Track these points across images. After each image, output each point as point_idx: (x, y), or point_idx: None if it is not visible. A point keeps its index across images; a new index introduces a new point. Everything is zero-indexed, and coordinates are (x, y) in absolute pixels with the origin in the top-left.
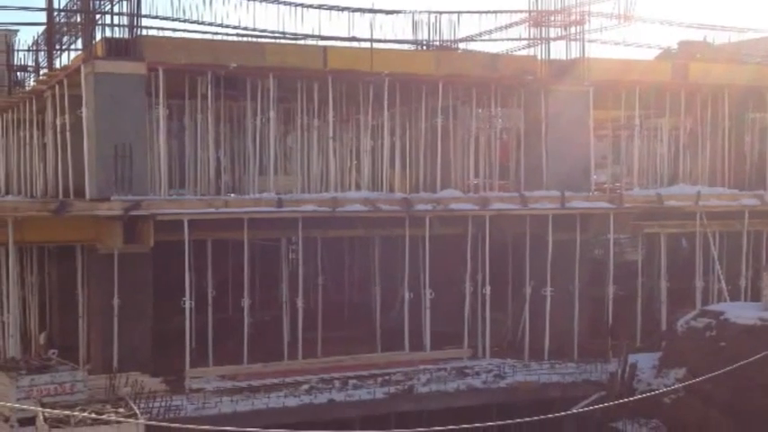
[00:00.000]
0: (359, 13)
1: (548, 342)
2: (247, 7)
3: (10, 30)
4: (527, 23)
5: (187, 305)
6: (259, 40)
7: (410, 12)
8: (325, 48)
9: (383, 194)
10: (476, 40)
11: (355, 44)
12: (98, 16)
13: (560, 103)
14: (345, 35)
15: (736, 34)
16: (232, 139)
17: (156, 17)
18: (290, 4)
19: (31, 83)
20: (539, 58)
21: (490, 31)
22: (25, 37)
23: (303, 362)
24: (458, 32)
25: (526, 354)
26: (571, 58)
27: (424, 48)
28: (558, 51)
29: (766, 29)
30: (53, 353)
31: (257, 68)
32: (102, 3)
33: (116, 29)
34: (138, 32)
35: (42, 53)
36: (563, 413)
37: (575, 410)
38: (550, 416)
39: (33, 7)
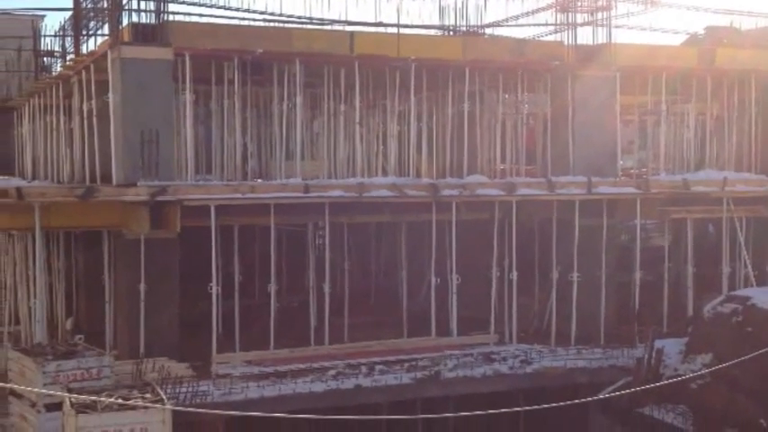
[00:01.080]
0: None
1: (574, 327)
2: None
3: (37, 15)
4: (554, 9)
5: (214, 291)
6: (285, 25)
7: None
8: (351, 33)
9: (410, 180)
10: (502, 26)
11: (382, 29)
12: (125, 2)
13: (587, 88)
14: (372, 20)
15: (764, 19)
16: (259, 125)
17: (183, 2)
18: None
19: (58, 68)
20: (565, 43)
21: (517, 17)
22: (52, 22)
23: (330, 347)
24: (484, 18)
25: (553, 339)
26: (598, 44)
27: (451, 33)
28: (585, 37)
29: None
30: (80, 338)
31: (284, 54)
32: None
33: (143, 14)
34: (165, 18)
35: (69, 38)
36: (589, 399)
37: (601, 396)
38: (577, 401)
39: None
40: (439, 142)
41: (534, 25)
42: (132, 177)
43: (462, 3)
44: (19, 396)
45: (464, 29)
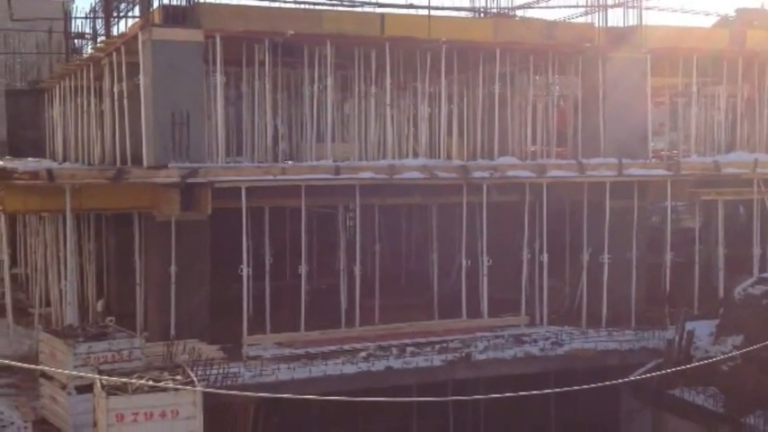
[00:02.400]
0: None
1: (605, 309)
2: None
3: None
4: None
5: (245, 272)
6: (316, 7)
7: None
8: (382, 15)
9: (440, 162)
10: (533, 8)
11: (413, 11)
12: None
13: (617, 70)
14: (403, 2)
15: None
16: (289, 107)
17: None
18: None
19: (89, 50)
20: (596, 25)
21: None
22: (83, 4)
23: (360, 329)
24: (515, 0)
25: (583, 321)
26: (628, 26)
27: (482, 15)
28: (616, 18)
29: None
30: (110, 320)
31: (314, 36)
32: None
33: None
34: (196, 0)
35: (100, 20)
36: (620, 380)
37: (632, 378)
38: (608, 383)
39: None
40: (470, 124)
41: (565, 7)
42: (163, 159)
43: None
44: (50, 378)
45: (495, 11)
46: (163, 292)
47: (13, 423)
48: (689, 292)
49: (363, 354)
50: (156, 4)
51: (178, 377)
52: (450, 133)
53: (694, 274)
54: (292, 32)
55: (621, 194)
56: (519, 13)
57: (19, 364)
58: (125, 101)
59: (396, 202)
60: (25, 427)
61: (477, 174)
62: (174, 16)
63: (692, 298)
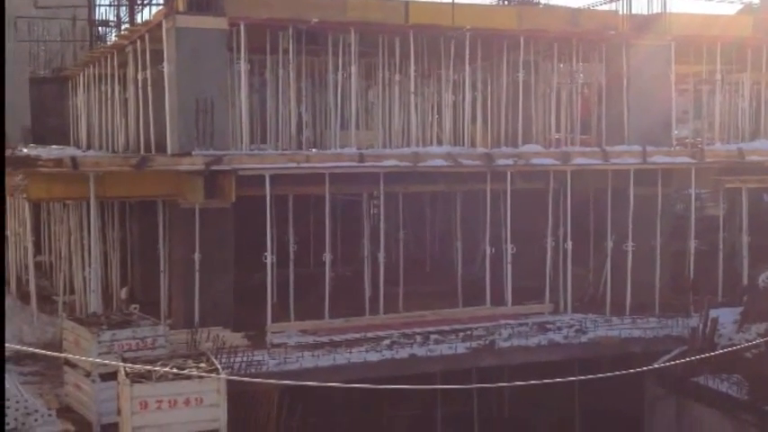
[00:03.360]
0: None
1: (629, 297)
2: None
3: None
4: None
5: (269, 260)
6: None
7: None
8: (406, 2)
9: (465, 149)
10: None
11: None
12: None
13: (641, 57)
14: None
15: None
16: (313, 94)
17: None
18: None
19: (113, 38)
20: (620, 12)
21: None
22: None
23: (384, 317)
24: None
25: (607, 309)
26: (652, 13)
27: (506, 2)
28: (640, 6)
29: None
30: (134, 308)
31: (339, 23)
32: None
33: None
34: None
35: (124, 8)
36: (644, 368)
37: (656, 365)
38: (632, 371)
39: None
40: (494, 112)
41: None
42: (187, 147)
43: None
44: (74, 365)
45: None
46: (187, 280)
47: (36, 411)
48: (713, 280)
49: (387, 341)
50: None
51: (202, 365)
52: (474, 121)
53: (718, 262)
54: (316, 20)
55: (645, 182)
56: (543, 0)
57: (43, 351)
58: (149, 88)
59: (420, 189)
60: (49, 415)
61: (502, 161)
62: (198, 4)
63: (716, 285)
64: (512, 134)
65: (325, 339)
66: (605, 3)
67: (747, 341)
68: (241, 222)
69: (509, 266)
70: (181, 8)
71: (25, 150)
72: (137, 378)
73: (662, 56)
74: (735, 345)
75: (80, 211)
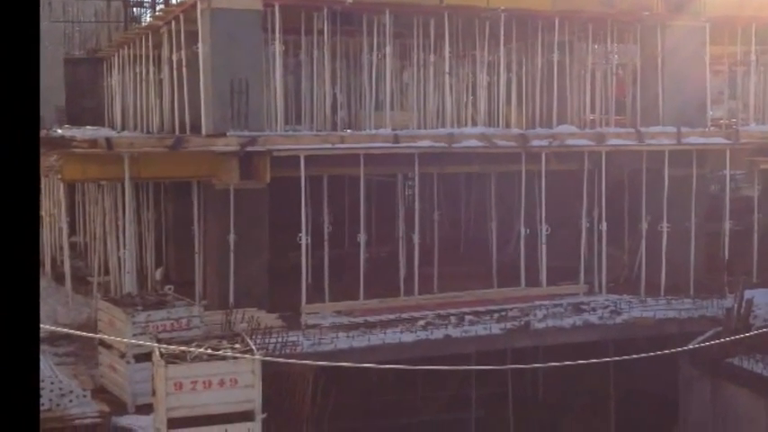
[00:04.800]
0: None
1: (664, 278)
2: None
3: None
4: None
5: (303, 241)
6: None
7: None
8: None
9: (499, 130)
10: None
11: None
12: None
13: (676, 38)
14: None
15: None
16: (348, 75)
17: None
18: None
19: (148, 18)
20: None
21: None
22: None
23: (419, 298)
24: None
25: (642, 289)
26: None
27: None
28: None
29: None
30: (169, 289)
31: (373, 4)
32: None
33: None
34: None
35: None
36: (679, 349)
37: (691, 346)
38: (666, 352)
39: None
40: (528, 92)
41: None
42: (222, 128)
43: None
44: (108, 346)
45: None
46: (221, 261)
47: (71, 391)
48: (748, 261)
49: (422, 322)
50: None
51: (237, 346)
52: (508, 101)
53: (753, 243)
54: (351, 1)
55: (680, 163)
56: None
57: (77, 332)
58: (184, 69)
59: (454, 170)
60: (84, 396)
61: (536, 142)
62: None
63: (751, 266)
64: (546, 115)
65: (359, 320)
66: None
67: None
68: (276, 203)
69: (544, 247)
70: None
71: (60, 131)
72: (171, 359)
73: (697, 37)
74: None
75: (115, 191)
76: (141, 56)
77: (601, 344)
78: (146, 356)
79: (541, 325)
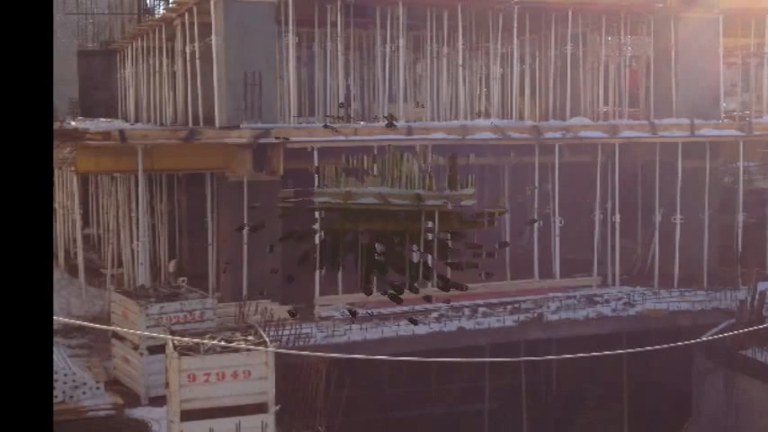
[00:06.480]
0: None
1: (677, 270)
2: None
3: None
4: None
5: (318, 235)
6: None
7: None
8: None
9: (513, 122)
10: None
11: None
12: None
13: (690, 30)
14: None
15: None
16: (361, 67)
17: None
18: None
19: (161, 11)
20: None
21: None
22: None
23: (432, 289)
24: None
25: (656, 281)
26: None
27: None
28: None
29: None
30: (182, 280)
31: None
32: None
33: None
34: None
35: None
36: (692, 341)
37: (704, 338)
38: (680, 344)
39: None
40: (542, 84)
41: None
42: (235, 120)
43: None
44: (121, 338)
45: None
46: (235, 253)
47: (85, 383)
48: (761, 253)
49: (435, 314)
50: None
51: (250, 338)
52: (522, 94)
53: (766, 235)
54: None
55: (693, 155)
56: None
57: (91, 324)
58: (197, 61)
59: (468, 162)
60: (97, 388)
61: (550, 134)
62: None
63: (765, 258)
64: (560, 107)
65: (373, 312)
66: None
67: None
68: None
69: (557, 239)
70: None
71: (73, 123)
72: (185, 351)
73: (710, 29)
74: None
75: (128, 183)
76: (154, 48)
77: (614, 336)
78: (159, 348)
79: (555, 317)
